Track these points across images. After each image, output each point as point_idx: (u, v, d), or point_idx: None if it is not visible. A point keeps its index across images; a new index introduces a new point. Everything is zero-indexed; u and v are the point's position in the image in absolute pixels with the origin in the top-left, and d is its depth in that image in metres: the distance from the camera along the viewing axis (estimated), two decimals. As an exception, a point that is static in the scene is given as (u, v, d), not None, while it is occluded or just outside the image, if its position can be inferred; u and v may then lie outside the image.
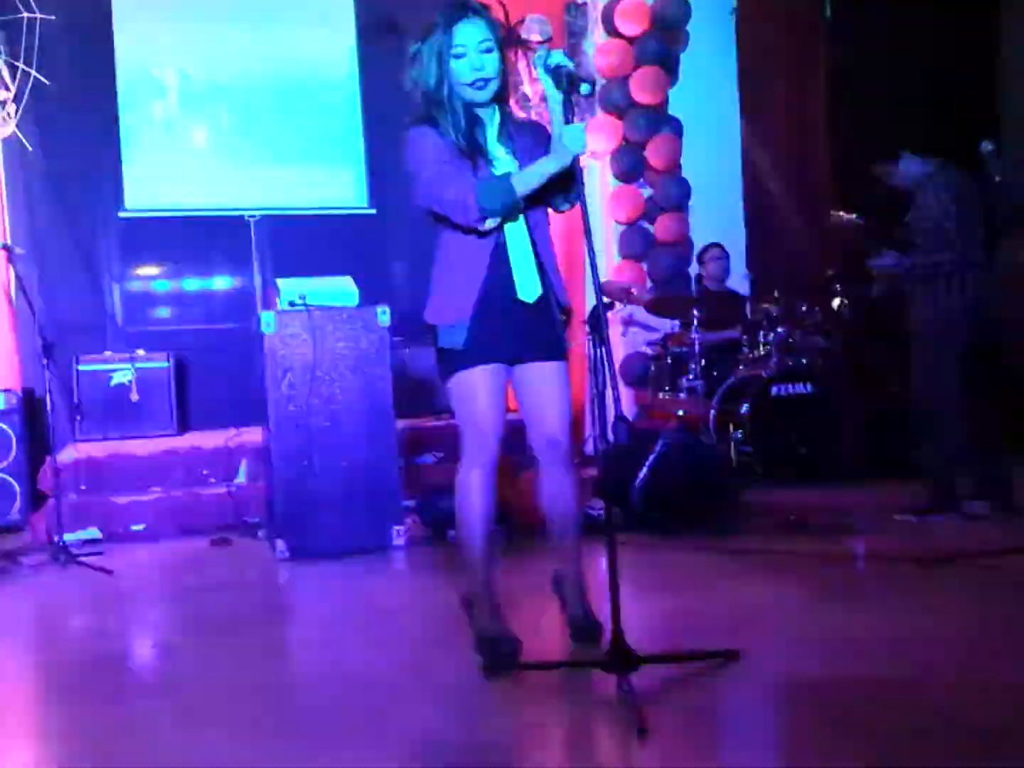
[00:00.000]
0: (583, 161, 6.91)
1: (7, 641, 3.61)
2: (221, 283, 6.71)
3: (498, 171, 2.86)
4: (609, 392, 2.53)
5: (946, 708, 2.43)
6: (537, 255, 2.91)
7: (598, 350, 2.54)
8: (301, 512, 4.52)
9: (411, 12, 5.94)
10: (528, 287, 2.89)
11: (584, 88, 2.67)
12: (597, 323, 2.55)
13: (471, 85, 2.83)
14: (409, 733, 2.47)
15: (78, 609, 4.03)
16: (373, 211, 6.70)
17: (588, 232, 2.65)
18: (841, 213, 4.22)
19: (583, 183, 2.79)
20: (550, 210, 2.97)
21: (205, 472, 5.38)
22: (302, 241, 6.40)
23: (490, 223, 2.79)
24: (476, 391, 2.89)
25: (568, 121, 2.72)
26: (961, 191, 4.05)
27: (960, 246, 4.21)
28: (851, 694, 2.55)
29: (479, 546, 2.95)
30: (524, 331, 2.90)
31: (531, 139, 2.94)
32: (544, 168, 2.75)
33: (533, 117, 5.50)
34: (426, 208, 2.87)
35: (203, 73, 6.38)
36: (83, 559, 4.52)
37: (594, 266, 2.63)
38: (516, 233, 2.88)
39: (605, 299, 5.89)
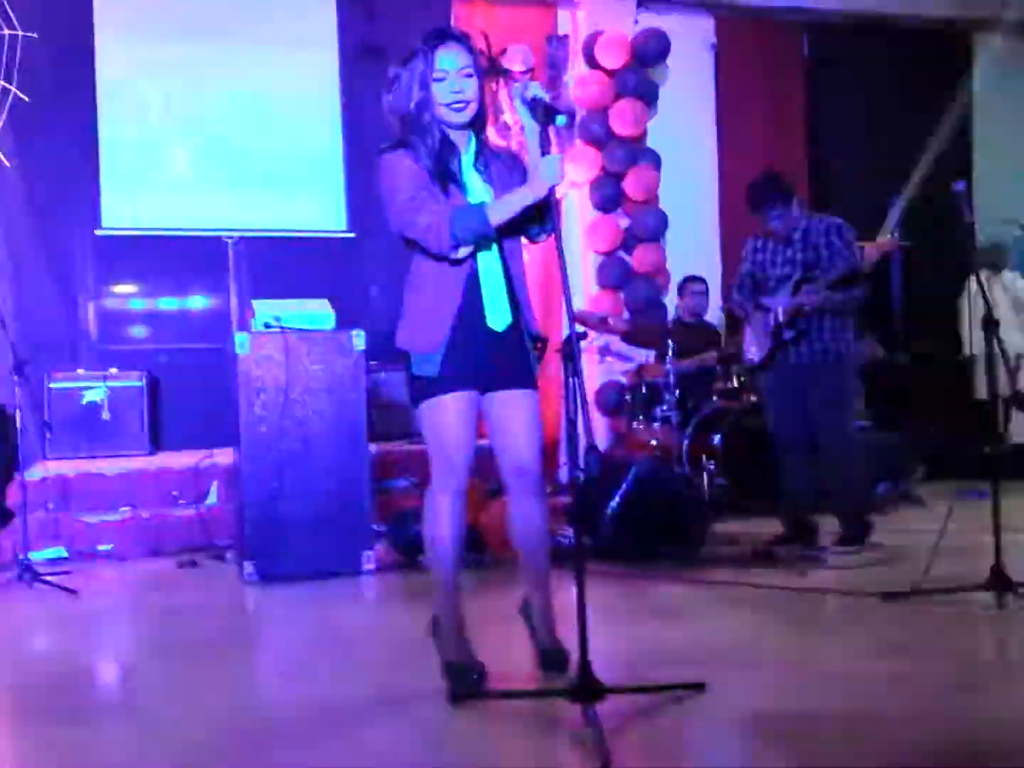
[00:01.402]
0: (561, 191, 6.97)
1: (-32, 661, 3.56)
2: (197, 303, 6.69)
3: (471, 198, 2.87)
4: (580, 421, 2.53)
5: (913, 743, 2.43)
6: (509, 284, 2.92)
7: (571, 379, 2.55)
8: (270, 535, 4.50)
9: (393, 37, 6.01)
10: (498, 315, 2.90)
11: (560, 120, 2.70)
12: (570, 352, 2.55)
13: (449, 106, 2.85)
14: (374, 759, 2.46)
15: (41, 630, 3.99)
16: (352, 234, 6.71)
17: (563, 262, 2.67)
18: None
19: (559, 214, 2.81)
20: (525, 240, 2.99)
21: (175, 493, 5.35)
22: (280, 263, 6.40)
23: (463, 252, 2.80)
24: (447, 418, 2.90)
25: (544, 152, 2.74)
26: None
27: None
28: (816, 728, 2.55)
29: (447, 572, 2.95)
30: (495, 359, 2.91)
31: (506, 167, 2.96)
32: (519, 198, 2.77)
33: (513, 146, 5.53)
34: (399, 233, 2.88)
35: (183, 93, 6.39)
36: (48, 578, 4.47)
37: (567, 295, 2.65)
38: (489, 261, 2.90)
39: (581, 328, 5.96)
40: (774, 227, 4.67)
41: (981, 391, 6.42)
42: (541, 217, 2.87)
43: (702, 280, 6.62)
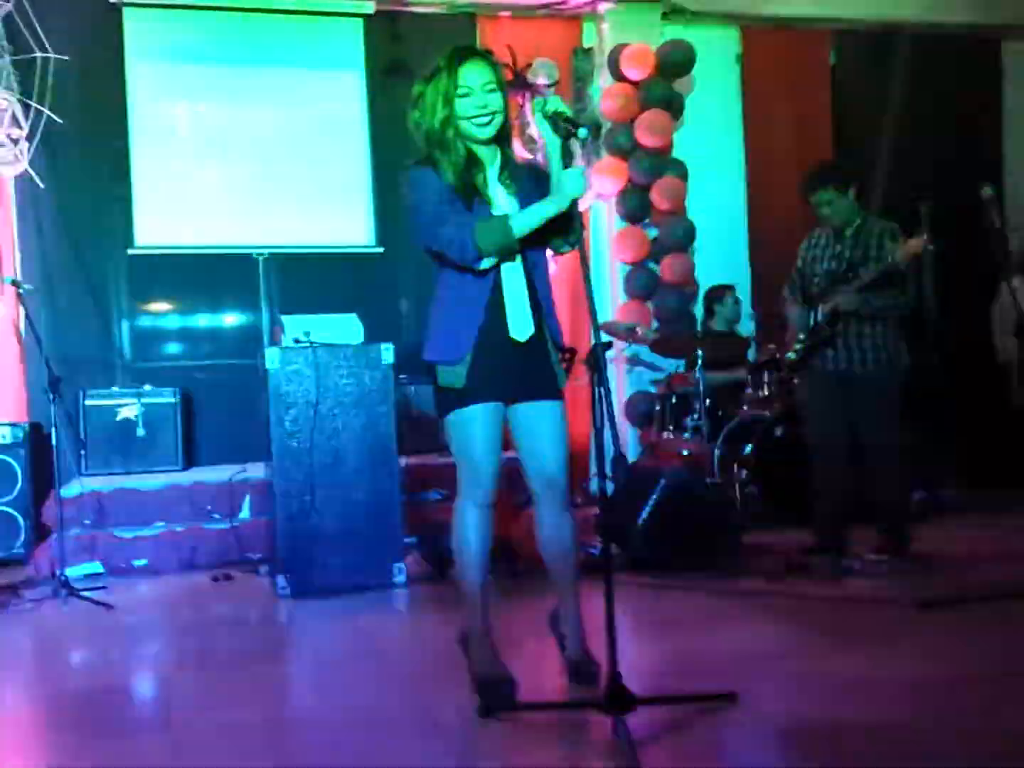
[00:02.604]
0: (587, 202, 6.98)
1: (5, 675, 3.61)
2: (229, 320, 6.75)
3: (496, 212, 2.89)
4: (608, 431, 2.53)
5: (945, 753, 2.41)
6: (533, 295, 2.94)
7: (597, 389, 2.56)
8: (303, 548, 4.53)
9: (420, 55, 6.05)
10: (520, 326, 2.91)
11: (582, 133, 2.71)
12: (596, 362, 2.56)
13: (475, 120, 2.87)
14: (403, 772, 2.47)
15: (77, 643, 4.02)
16: (381, 250, 6.75)
17: (587, 273, 2.68)
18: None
19: (583, 227, 2.82)
20: (550, 252, 3.01)
21: (209, 508, 5.39)
22: (310, 279, 6.46)
23: (487, 263, 2.82)
24: (473, 429, 2.91)
25: (566, 166, 2.75)
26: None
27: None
28: (848, 738, 2.53)
29: (475, 583, 2.96)
30: (520, 370, 2.92)
31: (532, 182, 2.98)
32: (543, 210, 2.79)
33: (540, 160, 5.55)
34: (425, 247, 2.90)
35: (213, 112, 6.47)
36: (84, 593, 4.52)
37: (592, 305, 2.65)
38: (513, 273, 2.91)
39: (609, 338, 5.96)
40: (824, 214, 4.62)
41: (1016, 398, 6.34)
42: (565, 230, 2.89)
43: (732, 288, 6.59)
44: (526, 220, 2.79)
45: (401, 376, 5.92)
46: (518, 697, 2.85)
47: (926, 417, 6.15)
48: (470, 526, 2.94)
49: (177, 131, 6.45)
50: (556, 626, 3.14)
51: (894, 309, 4.52)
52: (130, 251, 6.36)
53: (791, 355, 4.74)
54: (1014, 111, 7.88)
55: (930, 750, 2.43)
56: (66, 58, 5.95)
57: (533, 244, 2.89)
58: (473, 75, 2.86)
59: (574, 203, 2.78)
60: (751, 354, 6.54)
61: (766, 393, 5.96)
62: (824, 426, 4.69)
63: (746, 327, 6.76)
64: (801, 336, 4.68)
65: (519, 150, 6.17)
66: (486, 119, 2.87)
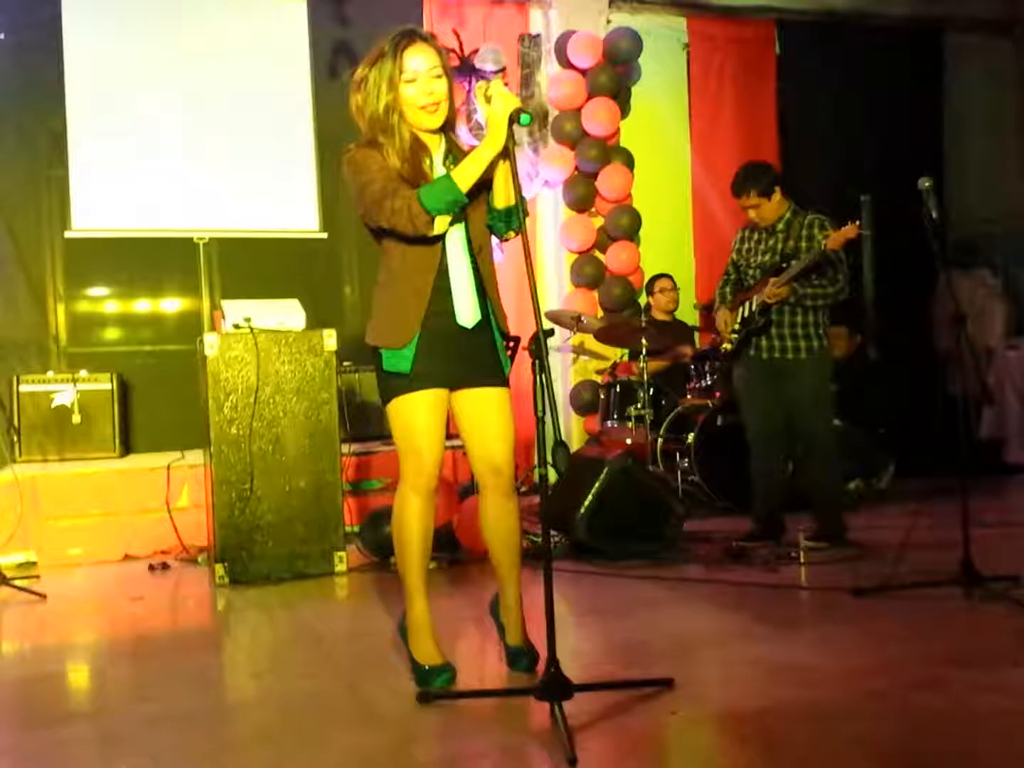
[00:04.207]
0: (534, 190, 6.93)
1: (-68, 666, 3.52)
2: (168, 305, 6.64)
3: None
4: (548, 418, 2.52)
5: (883, 736, 2.44)
6: (480, 281, 2.92)
7: (539, 376, 2.54)
8: (242, 537, 4.47)
9: (365, 37, 5.98)
10: (467, 312, 2.89)
11: (524, 119, 2.68)
12: (538, 349, 2.55)
13: (424, 109, 2.84)
14: (341, 758, 2.44)
15: (9, 633, 3.94)
16: (325, 235, 6.68)
17: (529, 259, 2.65)
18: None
19: (526, 212, 2.80)
20: (495, 240, 2.98)
21: (146, 496, 5.30)
22: (252, 264, 6.37)
23: (440, 226, 2.78)
24: (418, 415, 2.89)
25: (511, 153, 2.73)
26: None
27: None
28: (784, 723, 2.55)
29: (415, 570, 2.93)
30: (465, 356, 2.90)
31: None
32: (480, 154, 2.75)
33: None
34: (374, 224, 2.86)
35: (153, 94, 6.33)
36: (17, 583, 4.42)
37: (534, 292, 2.63)
38: (459, 258, 2.89)
39: (553, 326, 5.96)
40: (758, 215, 4.68)
41: (952, 387, 6.46)
42: (508, 216, 2.87)
43: (669, 277, 6.66)
44: (468, 169, 2.75)
45: (345, 363, 5.87)
46: (457, 684, 2.85)
47: (864, 406, 6.24)
48: (412, 514, 2.91)
49: (116, 113, 6.31)
50: (496, 613, 3.13)
51: (824, 297, 4.58)
52: (67, 234, 6.21)
53: (726, 345, 4.80)
54: (954, 102, 8.01)
55: (861, 731, 2.46)
56: (1, 36, 5.79)
57: (479, 228, 2.87)
58: (418, 60, 2.82)
59: (510, 151, 2.73)
60: (693, 343, 6.60)
61: (708, 382, 6.01)
62: (759, 415, 4.74)
63: (689, 317, 6.81)
64: (736, 327, 4.74)
65: (466, 136, 6.13)
66: (432, 108, 2.84)
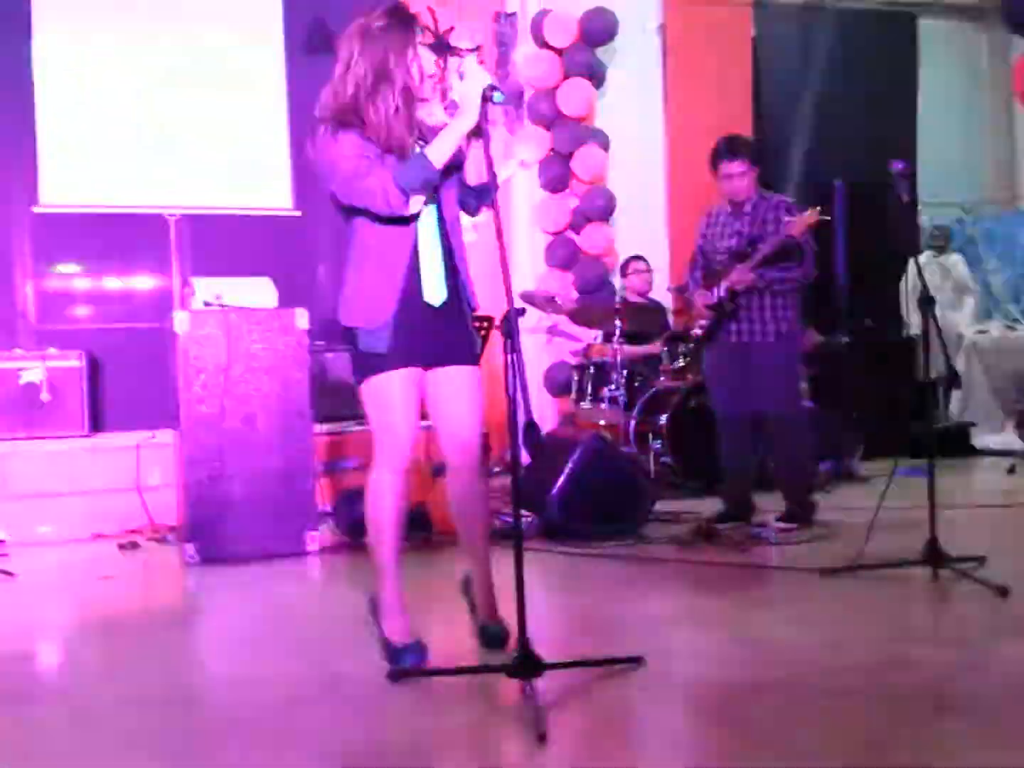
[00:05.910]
0: (508, 171, 6.92)
1: (-102, 645, 3.48)
2: (138, 282, 6.56)
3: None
4: (519, 397, 2.52)
5: (852, 711, 2.47)
6: (449, 260, 2.91)
7: (510, 356, 2.54)
8: (212, 516, 4.45)
9: (341, 17, 5.92)
10: (435, 290, 2.88)
11: (498, 97, 2.68)
12: (509, 328, 2.54)
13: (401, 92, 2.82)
14: (311, 735, 2.45)
15: (-24, 613, 3.91)
16: (298, 213, 6.63)
17: (500, 237, 2.65)
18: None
19: (496, 186, 2.79)
20: (468, 220, 2.97)
21: (116, 474, 5.26)
22: (224, 241, 6.30)
23: (415, 204, 2.76)
24: (394, 395, 2.88)
25: (482, 131, 2.72)
26: None
27: None
28: (754, 699, 2.58)
29: (388, 549, 2.94)
30: (436, 335, 2.89)
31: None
32: (454, 127, 2.75)
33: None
34: (346, 203, 2.84)
35: (124, 68, 6.24)
36: (-16, 561, 4.39)
37: (506, 271, 2.63)
38: (429, 236, 2.88)
39: (526, 306, 5.95)
40: (729, 187, 4.65)
41: (921, 370, 6.51)
42: (480, 193, 2.86)
43: (643, 259, 6.66)
44: (441, 145, 2.74)
45: (317, 342, 5.83)
46: (427, 663, 2.85)
47: (836, 389, 6.29)
48: (386, 493, 2.91)
49: (86, 86, 6.22)
50: (467, 591, 3.14)
51: (790, 281, 4.60)
52: (35, 209, 6.13)
53: (697, 330, 4.83)
54: (928, 88, 8.05)
55: (830, 707, 2.49)
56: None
57: (450, 206, 2.86)
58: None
59: (483, 128, 2.72)
60: (668, 325, 6.61)
61: (681, 364, 6.03)
62: (728, 397, 4.77)
63: (663, 298, 6.82)
64: (703, 315, 4.76)
65: (441, 115, 6.09)
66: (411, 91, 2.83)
